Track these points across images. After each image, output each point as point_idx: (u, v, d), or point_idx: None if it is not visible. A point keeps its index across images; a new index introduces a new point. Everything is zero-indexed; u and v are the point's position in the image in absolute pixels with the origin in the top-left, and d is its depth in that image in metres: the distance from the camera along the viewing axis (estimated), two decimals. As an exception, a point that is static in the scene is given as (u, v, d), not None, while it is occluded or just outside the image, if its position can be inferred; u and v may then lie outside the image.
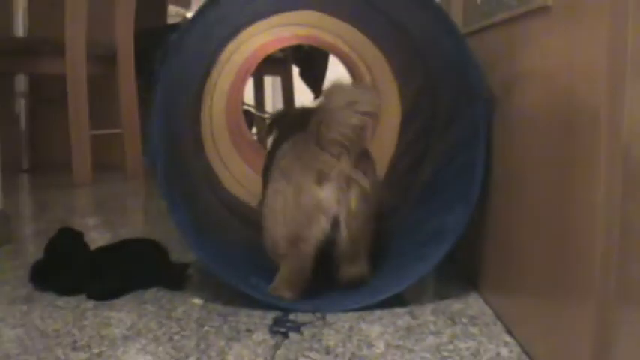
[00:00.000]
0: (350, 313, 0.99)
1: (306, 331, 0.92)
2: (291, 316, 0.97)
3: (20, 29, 3.04)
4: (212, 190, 1.28)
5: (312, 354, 0.84)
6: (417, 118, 1.28)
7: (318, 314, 0.98)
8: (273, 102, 4.55)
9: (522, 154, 0.87)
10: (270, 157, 1.18)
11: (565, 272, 0.71)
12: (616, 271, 0.62)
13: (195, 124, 1.24)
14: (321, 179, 0.99)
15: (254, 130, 3.22)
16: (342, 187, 0.99)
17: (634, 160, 0.59)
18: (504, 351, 0.85)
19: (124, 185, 2.63)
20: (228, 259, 1.10)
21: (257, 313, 0.99)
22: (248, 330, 0.93)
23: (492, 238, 1.02)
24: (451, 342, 0.88)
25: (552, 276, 0.75)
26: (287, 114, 1.32)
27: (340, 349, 0.86)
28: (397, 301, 1.04)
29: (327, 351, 0.85)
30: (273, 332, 0.92)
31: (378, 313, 0.99)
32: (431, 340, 0.89)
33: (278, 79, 3.33)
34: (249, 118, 3.05)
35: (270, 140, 1.29)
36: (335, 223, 1.00)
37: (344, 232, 1.00)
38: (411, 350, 0.85)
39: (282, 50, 2.71)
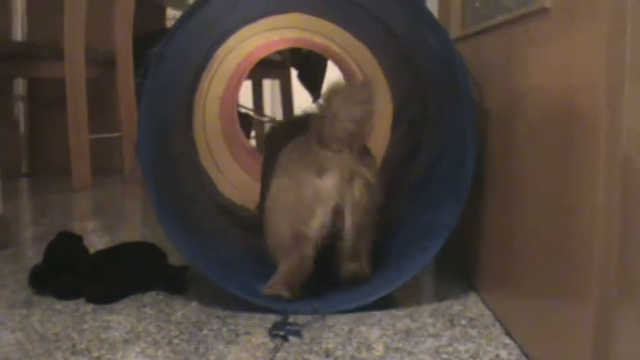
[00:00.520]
0: (349, 316, 0.99)
1: (306, 334, 0.92)
2: (291, 319, 0.97)
3: (19, 33, 3.04)
4: (209, 196, 1.28)
5: (311, 357, 0.84)
6: (408, 116, 1.29)
7: (318, 316, 0.98)
8: (272, 105, 4.55)
9: (521, 156, 0.87)
10: (269, 161, 1.18)
11: (564, 274, 0.71)
12: (615, 273, 0.62)
13: (188, 131, 1.24)
14: (321, 172, 1.01)
15: (253, 133, 3.22)
16: (344, 177, 1.01)
17: (632, 162, 0.59)
18: (503, 353, 0.85)
19: (122, 189, 2.63)
20: (225, 264, 1.10)
21: (256, 317, 0.99)
22: (247, 333, 0.93)
23: (491, 240, 1.02)
24: (450, 344, 0.88)
25: (551, 278, 0.75)
26: (284, 124, 1.33)
27: (339, 352, 0.86)
28: (396, 303, 1.04)
29: (327, 354, 0.85)
30: (272, 336, 0.92)
31: (377, 315, 0.99)
32: (430, 342, 0.89)
33: (277, 83, 3.33)
34: (248, 121, 3.05)
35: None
36: (338, 214, 1.01)
37: (348, 222, 1.02)
38: (410, 353, 0.85)
39: (281, 53, 2.71)
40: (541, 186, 0.79)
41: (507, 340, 0.89)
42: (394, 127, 1.40)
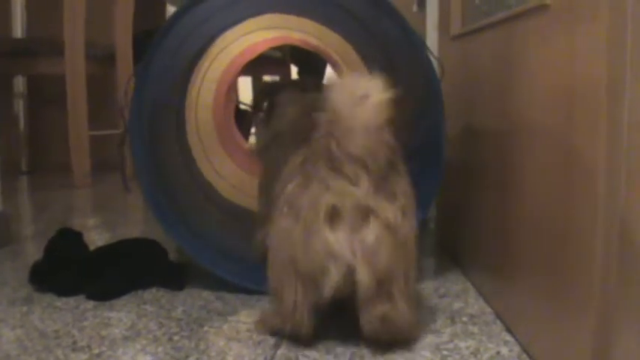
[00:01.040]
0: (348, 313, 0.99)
1: (306, 331, 0.92)
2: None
3: (19, 30, 3.04)
4: (210, 201, 1.29)
5: (312, 353, 0.84)
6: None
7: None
8: (271, 102, 4.55)
9: (522, 154, 0.87)
10: (271, 170, 1.01)
11: (565, 271, 0.71)
12: (616, 270, 0.62)
13: (183, 139, 1.24)
14: (333, 219, 0.81)
15: (253, 129, 3.21)
16: (356, 224, 0.81)
17: (634, 159, 0.59)
18: (504, 350, 0.85)
19: (122, 186, 2.63)
20: (229, 262, 1.11)
21: (257, 313, 0.99)
22: (248, 330, 0.93)
23: (492, 237, 1.02)
24: (451, 341, 0.88)
25: (552, 275, 0.75)
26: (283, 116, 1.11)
27: (340, 349, 0.86)
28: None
29: (327, 350, 0.85)
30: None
31: (377, 312, 0.99)
32: (430, 339, 0.89)
33: (277, 79, 3.33)
34: (248, 118, 3.04)
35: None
36: (350, 271, 0.81)
37: (362, 278, 0.80)
38: (410, 349, 0.85)
39: (281, 50, 2.71)
40: (542, 184, 0.79)
41: (508, 337, 0.89)
42: None
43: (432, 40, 1.60)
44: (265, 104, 1.24)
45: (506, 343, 0.87)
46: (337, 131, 0.81)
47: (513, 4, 0.90)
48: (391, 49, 1.19)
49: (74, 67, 2.46)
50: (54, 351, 0.86)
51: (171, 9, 3.59)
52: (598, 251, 0.63)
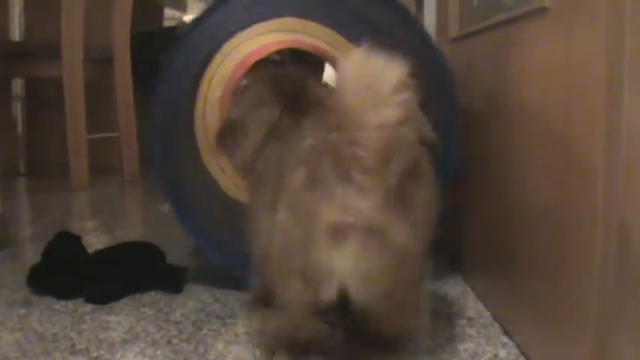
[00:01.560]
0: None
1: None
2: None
3: (16, 33, 3.04)
4: (215, 198, 1.30)
5: (311, 356, 0.84)
6: None
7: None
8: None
9: (520, 156, 0.87)
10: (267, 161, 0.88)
11: (564, 274, 0.71)
12: (615, 273, 0.62)
13: (191, 135, 1.26)
14: (335, 234, 0.71)
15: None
16: (360, 245, 0.70)
17: (633, 161, 0.59)
18: (502, 352, 0.85)
19: (121, 188, 2.63)
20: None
21: (256, 316, 0.99)
22: (247, 333, 0.93)
23: (491, 240, 1.02)
24: (449, 344, 0.88)
25: (551, 277, 0.75)
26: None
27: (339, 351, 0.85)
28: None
29: (326, 354, 0.85)
30: None
31: (376, 315, 0.99)
32: (429, 341, 0.89)
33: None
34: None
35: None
36: (345, 290, 0.72)
37: (358, 300, 0.72)
38: (409, 352, 0.85)
39: (279, 53, 2.71)
40: (540, 187, 0.79)
41: (506, 340, 0.89)
42: None
43: (430, 42, 1.60)
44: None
45: (504, 345, 0.87)
46: (345, 124, 0.69)
47: (512, 6, 0.90)
48: (405, 55, 1.20)
49: (72, 70, 2.46)
50: (52, 354, 0.86)
51: (168, 12, 3.59)
52: (597, 254, 0.63)
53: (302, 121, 0.77)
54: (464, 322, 0.96)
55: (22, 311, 1.03)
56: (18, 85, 3.06)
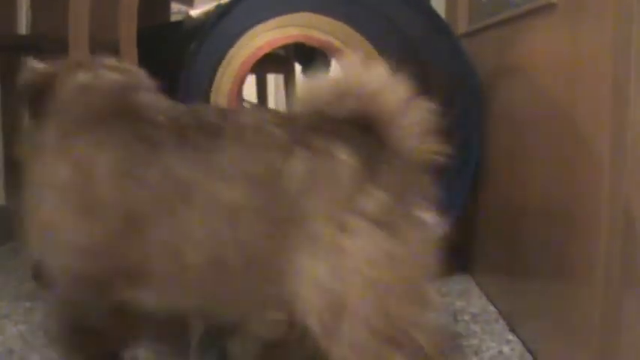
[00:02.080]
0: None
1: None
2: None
3: (23, 26, 3.04)
4: None
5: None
6: None
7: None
8: (275, 100, 4.55)
9: (527, 150, 0.87)
10: None
11: (568, 270, 0.71)
12: (620, 269, 0.61)
13: None
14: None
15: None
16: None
17: (639, 155, 0.59)
18: (507, 349, 0.85)
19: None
20: None
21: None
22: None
23: (495, 236, 1.02)
24: (453, 340, 0.88)
25: (556, 274, 0.75)
26: None
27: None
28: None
29: (330, 348, 0.85)
30: None
31: (380, 310, 0.99)
32: (433, 338, 0.89)
33: (281, 77, 3.32)
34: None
35: None
36: None
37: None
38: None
39: (285, 48, 2.71)
40: (546, 181, 0.78)
41: (511, 337, 0.89)
42: None
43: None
44: None
45: (508, 342, 0.87)
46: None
47: (520, 2, 0.90)
48: (422, 52, 1.20)
49: (78, 64, 2.46)
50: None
51: (175, 6, 3.59)
52: (602, 251, 0.63)
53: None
54: (468, 318, 0.96)
55: (28, 304, 1.04)
56: (24, 79, 3.07)
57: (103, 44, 2.71)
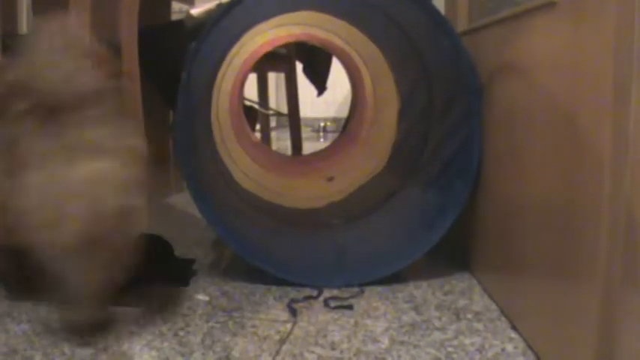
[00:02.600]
0: (354, 309, 0.99)
1: (311, 327, 0.92)
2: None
3: (24, 26, 3.05)
4: (228, 186, 1.32)
5: (317, 349, 0.84)
6: (416, 106, 1.32)
7: (357, 290, 1.08)
8: (276, 98, 4.55)
9: (527, 149, 0.87)
10: None
11: (570, 268, 0.71)
12: (621, 267, 0.62)
13: (207, 125, 1.28)
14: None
15: (257, 126, 3.22)
16: None
17: (639, 154, 0.59)
18: (509, 347, 0.85)
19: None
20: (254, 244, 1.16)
21: (261, 309, 0.99)
22: (253, 326, 0.93)
23: (497, 234, 1.02)
24: (456, 338, 0.88)
25: (557, 271, 0.75)
26: None
27: (345, 345, 0.86)
28: (401, 297, 1.04)
29: (333, 347, 0.85)
30: (290, 308, 0.99)
31: (382, 309, 1.00)
32: (436, 336, 0.89)
33: (282, 76, 3.33)
34: (253, 114, 3.05)
35: None
36: None
37: None
38: (416, 346, 0.85)
39: (286, 47, 2.71)
40: (546, 180, 0.79)
41: (513, 334, 0.89)
42: (402, 116, 1.43)
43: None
44: None
45: (511, 339, 0.87)
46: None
47: (520, 0, 0.90)
48: (424, 50, 1.20)
49: (80, 63, 2.46)
50: (60, 346, 0.86)
51: (176, 6, 3.59)
52: (603, 249, 0.63)
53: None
54: (470, 316, 0.96)
55: (30, 303, 1.04)
56: (26, 79, 3.07)
57: (104, 43, 2.71)
